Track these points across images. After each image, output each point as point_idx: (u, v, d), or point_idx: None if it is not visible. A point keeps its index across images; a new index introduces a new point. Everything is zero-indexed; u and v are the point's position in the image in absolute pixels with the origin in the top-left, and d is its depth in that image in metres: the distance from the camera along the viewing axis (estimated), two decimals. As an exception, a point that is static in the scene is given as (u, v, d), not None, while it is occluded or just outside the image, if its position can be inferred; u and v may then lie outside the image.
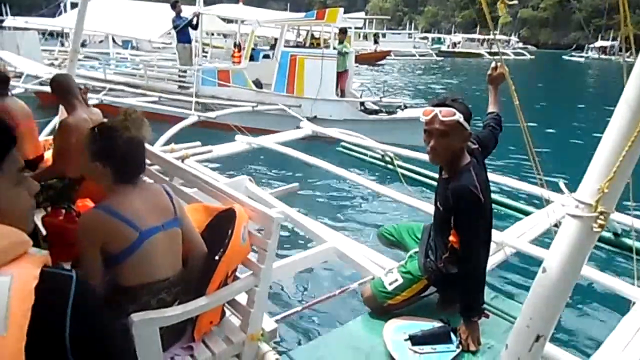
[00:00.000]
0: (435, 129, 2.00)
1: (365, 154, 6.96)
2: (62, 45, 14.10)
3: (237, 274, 2.01)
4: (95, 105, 4.95)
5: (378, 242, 2.86)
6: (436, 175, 6.07)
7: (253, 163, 6.87)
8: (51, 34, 14.65)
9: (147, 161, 2.48)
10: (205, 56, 10.13)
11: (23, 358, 0.67)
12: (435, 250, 2.27)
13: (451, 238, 2.12)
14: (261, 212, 1.89)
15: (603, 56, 48.67)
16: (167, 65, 11.59)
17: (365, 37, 34.88)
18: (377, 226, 4.67)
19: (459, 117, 1.97)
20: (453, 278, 2.15)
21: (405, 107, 9.23)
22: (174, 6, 9.48)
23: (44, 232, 2.49)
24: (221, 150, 5.14)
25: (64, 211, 2.46)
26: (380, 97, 9.54)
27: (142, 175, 1.81)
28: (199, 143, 5.00)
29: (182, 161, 4.09)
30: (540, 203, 4.42)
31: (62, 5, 15.12)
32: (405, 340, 2.09)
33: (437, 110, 1.99)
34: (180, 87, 9.73)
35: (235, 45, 11.47)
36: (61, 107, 4.09)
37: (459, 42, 50.89)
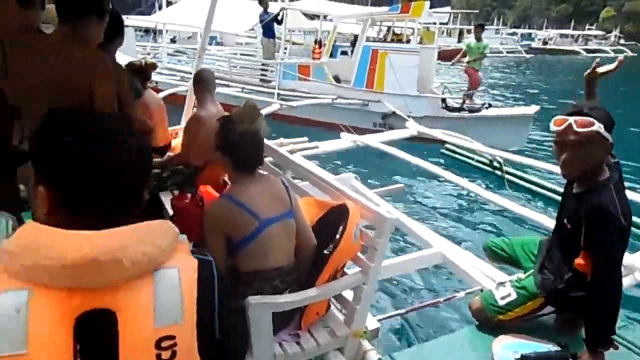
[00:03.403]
0: (568, 140, 1.81)
1: (472, 158, 6.68)
2: (155, 41, 14.93)
3: (344, 270, 2.04)
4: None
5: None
6: (550, 186, 5.65)
7: (356, 161, 6.90)
8: (146, 30, 15.57)
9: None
10: (285, 52, 10.46)
11: (196, 342, 0.74)
12: (556, 269, 2.08)
13: (579, 260, 1.91)
14: (374, 211, 1.89)
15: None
16: (249, 59, 12.09)
17: (449, 34, 33.33)
18: (485, 235, 4.47)
19: (598, 127, 1.75)
20: (577, 301, 1.96)
21: (490, 105, 8.72)
22: (261, 2, 9.96)
23: (170, 212, 2.76)
24: (327, 146, 5.25)
25: (189, 195, 2.69)
26: (465, 95, 9.07)
27: (261, 166, 1.91)
28: (306, 139, 5.16)
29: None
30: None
31: (157, 3, 16.26)
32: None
33: (571, 119, 1.79)
34: (261, 80, 10.04)
35: (315, 41, 11.61)
36: (187, 100, 4.50)
37: (551, 38, 46.43)
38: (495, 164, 6.26)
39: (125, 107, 2.05)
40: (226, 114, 2.57)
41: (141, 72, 3.41)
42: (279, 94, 8.79)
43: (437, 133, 6.37)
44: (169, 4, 15.35)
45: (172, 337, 0.71)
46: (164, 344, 0.71)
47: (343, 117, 8.22)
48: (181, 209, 2.65)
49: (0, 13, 1.84)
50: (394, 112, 8.18)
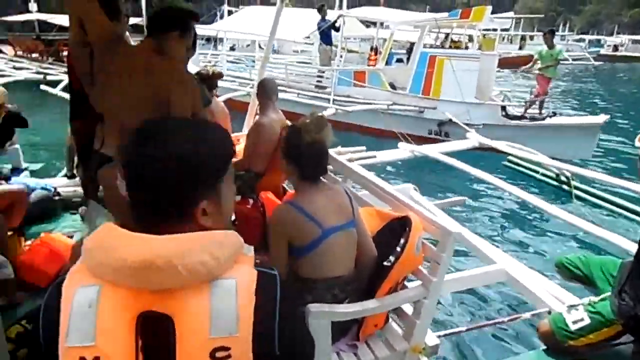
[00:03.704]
0: None
1: (536, 171, 6.37)
2: (215, 49, 15.51)
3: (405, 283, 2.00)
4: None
5: (554, 272, 2.56)
6: (624, 203, 5.24)
7: (414, 170, 6.78)
8: (208, 39, 16.21)
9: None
10: (341, 59, 10.52)
11: (251, 355, 0.73)
12: (636, 294, 1.93)
13: None
14: (438, 225, 1.85)
15: None
16: (306, 66, 12.32)
17: (510, 41, 31.90)
18: (551, 253, 4.23)
19: None
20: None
21: (554, 114, 8.26)
22: (320, 10, 10.15)
23: (232, 217, 2.84)
24: (385, 156, 5.21)
25: (251, 201, 2.76)
26: (527, 102, 8.61)
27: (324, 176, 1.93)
28: (363, 148, 5.15)
29: (348, 164, 4.25)
30: None
31: (218, 13, 16.98)
32: (589, 389, 1.83)
33: None
34: (317, 86, 10.12)
35: (371, 48, 11.52)
36: (250, 108, 4.63)
37: (622, 45, 42.73)
38: (563, 178, 5.93)
39: (197, 115, 2.15)
40: (288, 122, 2.63)
41: (208, 80, 3.56)
42: (334, 100, 8.86)
43: (501, 145, 6.12)
44: (230, 13, 15.94)
45: (227, 349, 0.71)
46: (219, 354, 0.71)
47: (398, 124, 8.11)
48: (243, 214, 2.73)
49: (92, 23, 1.99)
50: (450, 120, 7.98)
